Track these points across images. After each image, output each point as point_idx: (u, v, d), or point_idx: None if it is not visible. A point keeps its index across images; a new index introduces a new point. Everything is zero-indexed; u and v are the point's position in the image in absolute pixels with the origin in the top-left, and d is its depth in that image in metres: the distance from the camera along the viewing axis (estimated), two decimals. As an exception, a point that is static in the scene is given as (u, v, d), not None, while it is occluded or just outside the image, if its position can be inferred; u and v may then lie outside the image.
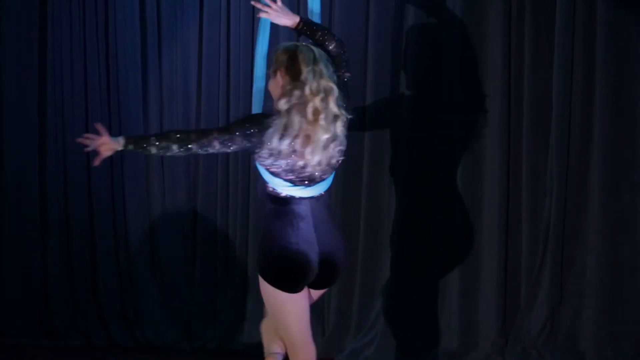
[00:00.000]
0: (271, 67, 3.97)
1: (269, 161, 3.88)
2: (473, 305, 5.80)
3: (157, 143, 3.86)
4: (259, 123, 3.84)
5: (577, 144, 5.59)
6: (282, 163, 3.87)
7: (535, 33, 5.66)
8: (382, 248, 5.99)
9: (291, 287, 3.90)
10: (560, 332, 5.64)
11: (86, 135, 3.96)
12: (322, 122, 3.82)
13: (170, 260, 6.53)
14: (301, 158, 3.86)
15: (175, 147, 3.85)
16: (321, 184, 3.99)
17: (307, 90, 3.82)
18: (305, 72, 3.83)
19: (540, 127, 5.67)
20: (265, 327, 4.22)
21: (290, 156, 3.86)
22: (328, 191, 4.07)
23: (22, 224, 6.62)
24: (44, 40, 6.61)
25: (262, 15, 4.19)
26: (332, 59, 4.03)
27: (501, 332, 5.75)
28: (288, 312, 3.93)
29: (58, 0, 6.55)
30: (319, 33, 4.11)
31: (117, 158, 6.52)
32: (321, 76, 3.84)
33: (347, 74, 4.10)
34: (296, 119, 3.81)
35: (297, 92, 3.83)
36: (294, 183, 3.92)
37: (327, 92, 3.84)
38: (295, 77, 3.84)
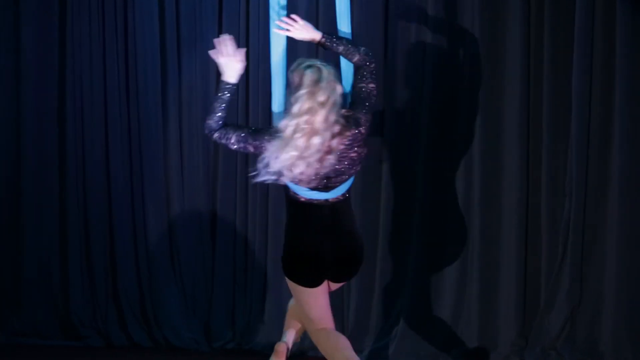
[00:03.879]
0: (292, 86, 4.14)
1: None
2: (492, 305, 5.79)
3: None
4: (266, 140, 4.09)
5: (596, 145, 5.58)
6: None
7: (554, 34, 5.65)
8: (402, 249, 5.99)
9: (305, 283, 4.23)
10: (580, 332, 5.62)
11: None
12: (297, 140, 4.00)
13: (190, 262, 6.54)
14: (290, 172, 4.05)
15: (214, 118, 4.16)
16: (339, 187, 4.18)
17: (294, 109, 4.01)
18: (301, 92, 4.02)
19: (559, 127, 5.66)
20: (292, 310, 4.56)
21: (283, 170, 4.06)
22: (347, 192, 4.26)
23: (42, 225, 6.65)
24: (63, 42, 6.64)
25: (284, 33, 4.28)
26: (357, 70, 4.19)
27: (520, 333, 5.74)
28: (307, 302, 4.26)
29: (77, 1, 6.58)
30: (342, 47, 4.22)
31: (136, 160, 6.55)
32: (312, 97, 4.00)
33: (372, 85, 4.20)
34: (279, 141, 4.04)
35: (288, 114, 4.05)
36: (310, 188, 4.13)
37: (313, 112, 4.00)
38: (289, 99, 4.08)
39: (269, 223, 6.32)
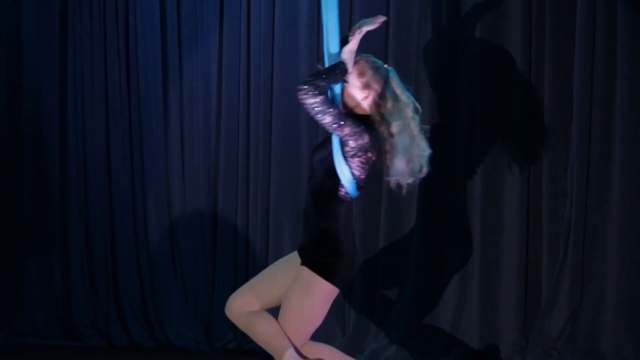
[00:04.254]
0: (360, 79, 4.05)
1: (366, 171, 4.06)
2: (493, 305, 5.79)
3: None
4: (364, 130, 3.98)
5: (597, 145, 5.57)
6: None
7: (555, 34, 5.65)
8: (403, 250, 5.99)
9: (344, 286, 4.10)
10: (581, 332, 5.61)
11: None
12: (422, 141, 4.08)
13: (191, 262, 6.54)
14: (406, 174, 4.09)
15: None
16: None
17: (409, 112, 4.03)
18: (403, 96, 4.03)
19: (560, 127, 5.66)
20: (275, 330, 4.25)
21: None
22: None
23: (44, 226, 6.65)
24: (65, 41, 6.65)
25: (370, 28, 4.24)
26: None
27: (522, 333, 5.74)
28: (324, 306, 4.08)
29: (79, 1, 6.58)
30: None
31: (137, 160, 6.55)
32: (409, 98, 4.06)
33: None
34: (407, 139, 4.02)
35: (402, 114, 4.01)
36: (359, 187, 4.07)
37: (415, 113, 4.08)
38: (396, 100, 4.02)
39: (270, 223, 6.32)
